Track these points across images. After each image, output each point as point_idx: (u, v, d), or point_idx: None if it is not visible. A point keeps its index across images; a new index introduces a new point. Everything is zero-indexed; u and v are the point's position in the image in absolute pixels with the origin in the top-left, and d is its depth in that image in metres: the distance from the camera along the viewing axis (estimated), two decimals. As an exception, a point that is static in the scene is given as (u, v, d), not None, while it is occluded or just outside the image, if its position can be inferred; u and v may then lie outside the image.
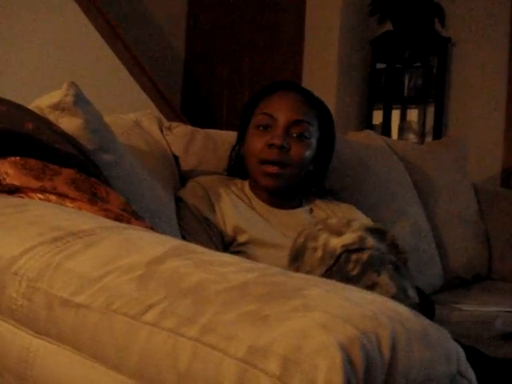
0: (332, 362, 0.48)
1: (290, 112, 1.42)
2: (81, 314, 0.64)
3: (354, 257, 1.03)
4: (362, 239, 1.05)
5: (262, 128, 1.43)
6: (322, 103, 1.53)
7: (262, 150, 1.41)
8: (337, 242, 1.05)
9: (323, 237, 1.06)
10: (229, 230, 1.37)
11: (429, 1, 4.02)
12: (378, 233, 1.10)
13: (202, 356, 0.53)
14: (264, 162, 1.40)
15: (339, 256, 1.03)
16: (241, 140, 1.52)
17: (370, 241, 1.05)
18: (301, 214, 1.48)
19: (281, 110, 1.42)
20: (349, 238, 1.05)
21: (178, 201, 1.41)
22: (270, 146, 1.39)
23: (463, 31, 4.04)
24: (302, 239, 1.10)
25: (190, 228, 1.36)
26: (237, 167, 1.53)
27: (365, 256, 1.03)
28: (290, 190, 1.48)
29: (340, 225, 1.08)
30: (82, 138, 1.03)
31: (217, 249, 1.34)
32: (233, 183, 1.49)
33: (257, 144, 1.42)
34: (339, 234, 1.06)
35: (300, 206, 1.52)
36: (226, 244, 1.38)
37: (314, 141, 1.46)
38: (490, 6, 3.94)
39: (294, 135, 1.42)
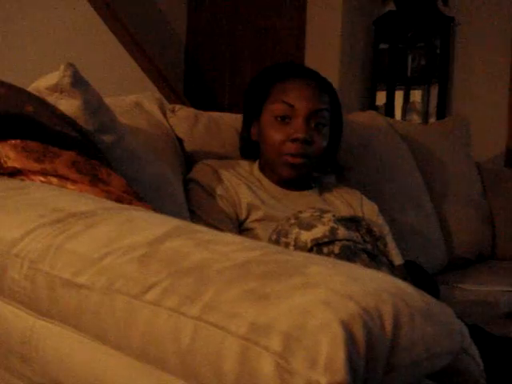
0: (334, 339, 0.48)
1: (309, 102, 1.40)
2: (83, 295, 0.64)
3: (325, 250, 1.03)
4: (332, 231, 1.04)
5: (280, 119, 1.40)
6: (330, 84, 1.51)
7: (283, 144, 1.39)
8: (307, 236, 1.04)
9: (294, 231, 1.06)
10: (243, 207, 1.37)
11: (432, -20, 3.98)
12: (352, 222, 1.09)
13: (204, 334, 0.53)
14: (287, 154, 1.39)
15: (310, 250, 1.03)
16: (249, 121, 1.49)
17: (342, 231, 1.04)
18: (311, 196, 1.48)
19: (300, 100, 1.39)
20: (319, 231, 1.04)
21: (189, 182, 1.41)
22: (294, 140, 1.37)
23: (466, 11, 4.00)
24: (274, 236, 1.10)
25: (204, 206, 1.36)
26: (248, 149, 1.52)
27: (336, 248, 1.03)
28: (304, 175, 1.48)
29: (312, 218, 1.07)
30: (81, 119, 1.03)
31: (233, 225, 1.34)
32: (240, 166, 1.48)
33: (277, 137, 1.39)
34: (310, 227, 1.05)
35: (310, 188, 1.51)
36: (241, 221, 1.37)
37: (328, 127, 1.45)
38: (494, -16, 3.90)
39: (313, 125, 1.40)
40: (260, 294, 0.53)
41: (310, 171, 1.49)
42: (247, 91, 1.52)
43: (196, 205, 1.36)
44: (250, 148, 1.51)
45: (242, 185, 1.40)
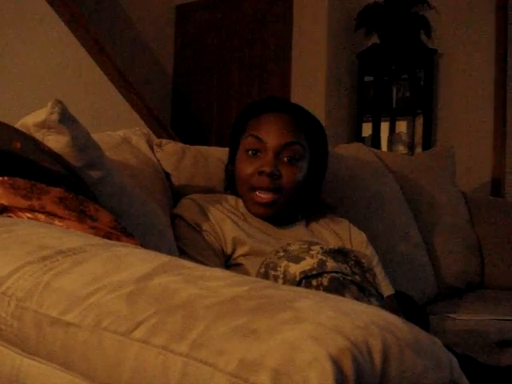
0: (323, 374, 0.47)
1: (279, 136, 1.40)
2: (70, 333, 0.63)
3: (314, 282, 1.03)
4: (321, 263, 1.04)
5: (251, 152, 1.41)
6: (312, 118, 1.51)
7: (252, 177, 1.40)
8: (296, 269, 1.04)
9: (283, 264, 1.06)
10: (228, 242, 1.37)
11: (414, 13, 4.06)
12: (340, 254, 1.09)
13: (193, 372, 0.53)
14: (255, 188, 1.39)
15: (299, 282, 1.03)
16: (232, 159, 1.51)
17: (331, 264, 1.04)
18: (298, 229, 1.48)
19: (269, 134, 1.40)
20: (307, 263, 1.04)
21: (174, 218, 1.41)
22: (261, 173, 1.38)
23: (449, 42, 4.08)
24: (263, 269, 1.10)
25: (190, 242, 1.36)
26: (232, 185, 1.53)
27: (325, 280, 1.03)
28: (284, 210, 1.47)
29: (300, 251, 1.07)
30: (69, 155, 1.03)
31: (219, 260, 1.34)
32: (225, 201, 1.48)
33: (247, 170, 1.41)
34: (299, 260, 1.05)
35: (297, 220, 1.51)
36: (227, 256, 1.37)
37: (305, 161, 1.44)
38: (475, 16, 3.98)
39: (285, 159, 1.40)
40: (249, 329, 0.53)
41: (294, 204, 1.49)
42: (232, 128, 1.54)
43: (182, 240, 1.36)
44: (233, 183, 1.52)
45: (227, 219, 1.40)
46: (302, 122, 1.46)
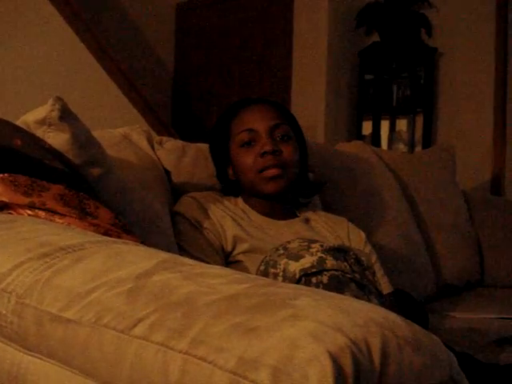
0: (322, 372, 0.48)
1: (267, 119, 1.45)
2: (70, 330, 0.63)
3: (313, 280, 1.03)
4: (321, 261, 1.04)
5: (246, 145, 1.44)
6: (285, 107, 1.58)
7: (256, 162, 1.42)
8: (295, 267, 1.04)
9: (283, 262, 1.06)
10: (229, 240, 1.37)
11: (415, 12, 4.06)
12: (340, 252, 1.09)
13: (193, 369, 0.53)
14: (262, 170, 1.41)
15: (299, 280, 1.03)
16: (222, 167, 1.53)
17: (330, 261, 1.04)
18: (298, 224, 1.49)
19: (258, 121, 1.44)
20: (307, 261, 1.04)
21: (174, 215, 1.41)
22: (263, 154, 1.41)
23: (450, 41, 4.07)
24: (263, 266, 1.10)
25: (190, 239, 1.36)
26: (229, 188, 1.54)
27: (325, 278, 1.03)
28: (287, 194, 1.49)
29: (300, 248, 1.07)
30: (69, 152, 1.03)
31: (219, 258, 1.35)
32: (225, 198, 1.50)
33: (248, 159, 1.43)
34: (299, 257, 1.05)
35: (295, 216, 1.52)
36: (227, 253, 1.38)
37: (295, 141, 1.49)
38: (476, 15, 3.98)
39: (279, 138, 1.44)
40: (248, 327, 0.53)
41: (291, 190, 1.50)
42: (211, 142, 1.56)
43: (182, 238, 1.36)
44: (231, 187, 1.53)
45: (227, 217, 1.40)
46: (281, 110, 1.52)
